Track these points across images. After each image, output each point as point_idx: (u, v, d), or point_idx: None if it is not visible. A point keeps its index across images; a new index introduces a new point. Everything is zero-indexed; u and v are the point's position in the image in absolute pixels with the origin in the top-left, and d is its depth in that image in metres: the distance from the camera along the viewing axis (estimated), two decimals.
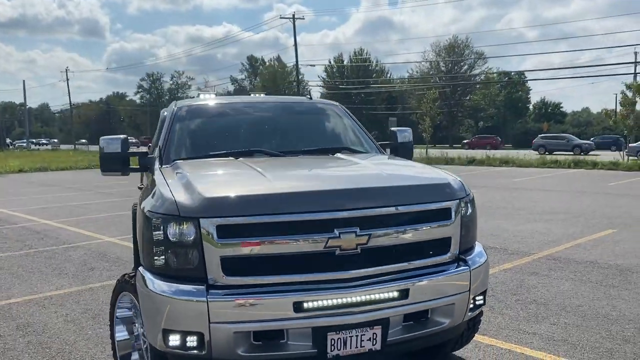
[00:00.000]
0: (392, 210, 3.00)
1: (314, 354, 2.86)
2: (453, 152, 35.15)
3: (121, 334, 3.75)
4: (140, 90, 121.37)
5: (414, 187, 3.21)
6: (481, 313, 3.69)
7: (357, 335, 2.89)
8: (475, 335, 4.04)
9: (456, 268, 3.20)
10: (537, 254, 7.36)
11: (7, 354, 4.37)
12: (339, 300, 2.84)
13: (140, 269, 3.07)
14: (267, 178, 3.17)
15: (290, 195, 2.92)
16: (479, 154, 32.34)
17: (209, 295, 2.74)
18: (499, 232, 8.89)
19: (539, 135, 45.00)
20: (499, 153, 34.10)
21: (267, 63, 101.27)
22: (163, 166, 3.87)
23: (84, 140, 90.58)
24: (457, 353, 4.14)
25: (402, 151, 4.84)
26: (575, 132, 63.20)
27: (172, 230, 2.85)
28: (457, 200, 3.24)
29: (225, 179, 3.42)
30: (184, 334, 2.80)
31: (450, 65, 73.87)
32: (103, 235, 9.44)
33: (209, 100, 4.98)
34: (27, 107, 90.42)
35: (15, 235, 9.66)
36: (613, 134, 47.19)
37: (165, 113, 4.74)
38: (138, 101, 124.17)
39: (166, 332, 2.82)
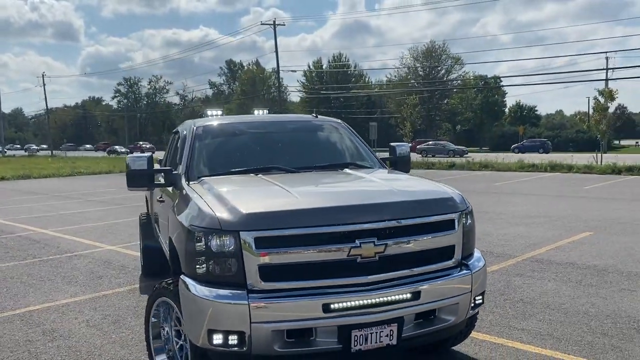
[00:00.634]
0: (404, 222, 3.44)
1: (339, 349, 3.28)
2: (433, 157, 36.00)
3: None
4: (117, 94, 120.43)
5: (423, 202, 3.66)
6: (477, 311, 4.15)
7: (376, 332, 3.32)
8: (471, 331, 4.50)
9: (459, 272, 3.65)
10: (521, 256, 7.88)
11: (41, 357, 4.69)
12: (361, 302, 3.26)
13: (183, 276, 3.45)
14: (293, 194, 3.58)
15: (317, 210, 3.34)
16: (458, 159, 33.11)
17: (250, 299, 3.15)
18: (483, 236, 9.41)
19: (423, 144, 50.93)
20: (478, 157, 34.92)
21: (246, 67, 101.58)
22: (191, 183, 4.25)
23: (64, 146, 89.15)
24: (456, 348, 4.59)
25: (401, 164, 5.30)
26: (550, 134, 64.88)
27: (215, 242, 3.25)
28: (459, 212, 3.70)
29: (257, 196, 3.80)
30: (227, 333, 3.19)
31: (427, 69, 75.01)
32: (103, 244, 9.72)
33: (224, 119, 5.38)
34: (1, 112, 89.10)
35: (15, 245, 9.87)
36: (587, 137, 48.72)
37: (185, 132, 5.10)
38: (115, 106, 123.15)
39: (210, 332, 3.21)
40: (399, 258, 3.41)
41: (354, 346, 3.29)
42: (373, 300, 3.29)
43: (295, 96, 78.30)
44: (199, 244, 3.30)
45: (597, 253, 7.99)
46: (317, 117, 5.65)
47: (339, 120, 5.66)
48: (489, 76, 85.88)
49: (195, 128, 5.01)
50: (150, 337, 4.09)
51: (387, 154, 5.45)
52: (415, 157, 34.38)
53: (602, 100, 28.11)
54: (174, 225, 3.99)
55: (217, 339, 3.22)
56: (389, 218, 3.40)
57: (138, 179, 4.57)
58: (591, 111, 32.41)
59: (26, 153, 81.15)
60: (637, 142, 71.18)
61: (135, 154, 4.68)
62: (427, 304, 3.46)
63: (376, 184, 4.17)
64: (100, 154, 71.68)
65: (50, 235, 10.86)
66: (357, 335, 3.28)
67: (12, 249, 9.54)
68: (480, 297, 3.82)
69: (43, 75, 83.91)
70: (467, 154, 47.73)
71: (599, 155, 26.97)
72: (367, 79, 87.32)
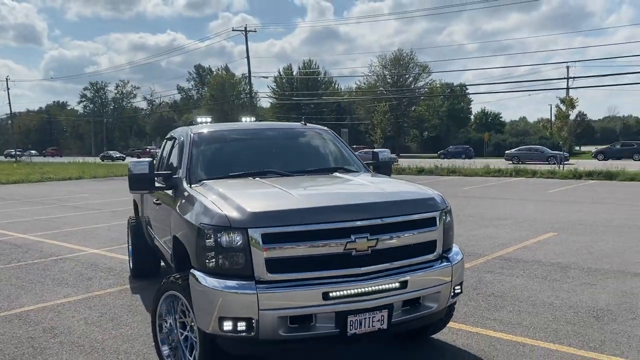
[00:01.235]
0: (393, 219, 3.86)
1: (337, 333, 3.66)
2: (403, 162, 36.80)
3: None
4: (83, 99, 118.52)
5: (408, 202, 4.10)
6: (456, 301, 4.59)
7: (369, 317, 3.71)
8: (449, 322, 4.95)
9: (441, 264, 4.09)
10: (490, 255, 8.41)
11: (45, 352, 4.93)
12: (356, 290, 3.66)
13: (193, 270, 3.77)
14: (293, 195, 3.96)
15: (317, 209, 3.74)
16: (427, 163, 33.94)
17: (258, 289, 3.51)
18: (455, 237, 9.91)
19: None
20: (445, 163, 35.82)
21: (215, 72, 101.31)
22: (193, 185, 4.58)
23: (33, 152, 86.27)
24: (435, 336, 5.03)
25: (383, 168, 5.75)
26: (514, 141, 66.62)
27: (224, 238, 3.60)
28: (440, 211, 4.15)
29: (260, 197, 4.16)
30: (236, 320, 3.54)
31: (396, 77, 76.22)
32: (86, 248, 9.88)
33: (219, 126, 5.75)
34: None
35: None
36: (550, 143, 50.28)
37: (182, 139, 5.42)
38: (81, 111, 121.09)
39: (221, 319, 3.55)
40: (388, 252, 3.82)
41: (350, 330, 3.67)
42: (366, 289, 3.68)
43: (265, 102, 78.54)
44: (208, 240, 3.65)
45: (560, 252, 8.58)
46: (305, 124, 6.04)
47: (326, 128, 6.08)
48: (455, 84, 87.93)
49: (192, 135, 5.33)
50: (157, 330, 4.39)
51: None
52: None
53: (563, 108, 29.31)
54: (179, 225, 4.31)
55: (227, 325, 3.56)
56: (380, 216, 3.81)
57: (140, 183, 4.87)
58: (553, 118, 33.63)
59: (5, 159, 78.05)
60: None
61: (136, 160, 4.99)
62: (413, 292, 3.88)
63: (366, 186, 4.58)
64: (58, 160, 70.04)
65: (32, 239, 10.94)
66: (352, 320, 3.66)
67: None
68: (459, 286, 4.26)
69: (7, 79, 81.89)
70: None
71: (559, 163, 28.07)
72: (336, 86, 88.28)
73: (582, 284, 6.70)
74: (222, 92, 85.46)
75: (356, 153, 5.80)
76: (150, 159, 5.05)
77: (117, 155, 72.12)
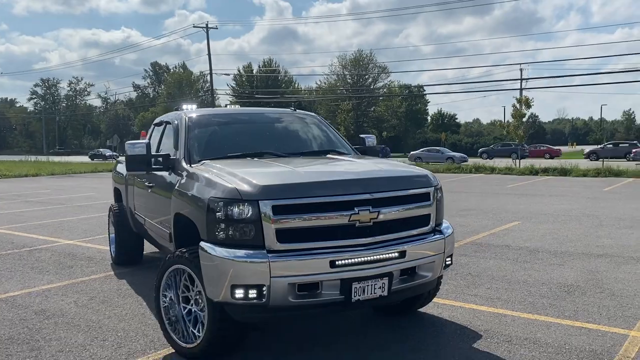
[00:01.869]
0: (392, 194, 4.11)
1: (342, 299, 3.88)
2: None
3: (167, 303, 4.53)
4: (34, 96, 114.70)
5: (405, 178, 4.36)
6: (441, 276, 4.87)
7: (372, 284, 3.95)
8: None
9: (434, 236, 4.36)
10: (462, 241, 8.80)
11: (42, 331, 4.95)
12: (360, 259, 3.89)
13: (203, 243, 3.91)
14: (297, 171, 4.16)
15: (324, 183, 3.95)
16: None
17: (269, 257, 3.69)
18: None
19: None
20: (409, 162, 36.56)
21: (172, 70, 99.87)
22: (193, 165, 4.71)
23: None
24: (422, 310, 5.32)
25: (370, 153, 6.01)
26: (470, 141, 68.47)
27: (235, 210, 3.76)
28: (433, 187, 4.42)
29: (266, 172, 4.33)
30: (247, 287, 3.70)
31: (356, 77, 77.00)
32: (60, 239, 9.76)
33: (213, 110, 5.88)
34: None
35: None
36: (504, 142, 51.93)
37: (177, 122, 5.51)
38: (32, 108, 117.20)
39: (233, 287, 3.71)
40: (388, 223, 4.06)
41: (354, 297, 3.89)
42: (369, 258, 3.92)
43: (225, 99, 77.89)
44: (219, 213, 3.80)
45: (527, 237, 9.06)
46: (295, 110, 6.24)
47: (314, 114, 6.29)
48: (412, 85, 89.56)
49: (187, 118, 5.45)
50: (161, 304, 4.49)
51: None
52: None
53: (519, 107, 30.41)
54: (181, 202, 4.44)
55: (239, 293, 3.72)
56: (381, 190, 4.06)
57: (138, 163, 4.96)
58: (509, 118, 34.84)
59: None
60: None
61: (134, 141, 5.07)
62: (411, 261, 4.14)
63: (364, 165, 4.82)
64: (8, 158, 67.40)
65: (0, 232, 10.71)
66: (356, 287, 3.89)
67: None
68: (450, 258, 4.55)
69: None
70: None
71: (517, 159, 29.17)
72: (297, 85, 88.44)
73: (551, 264, 7.13)
74: (179, 90, 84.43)
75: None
76: (147, 141, 5.14)
77: (109, 154, 62.21)
